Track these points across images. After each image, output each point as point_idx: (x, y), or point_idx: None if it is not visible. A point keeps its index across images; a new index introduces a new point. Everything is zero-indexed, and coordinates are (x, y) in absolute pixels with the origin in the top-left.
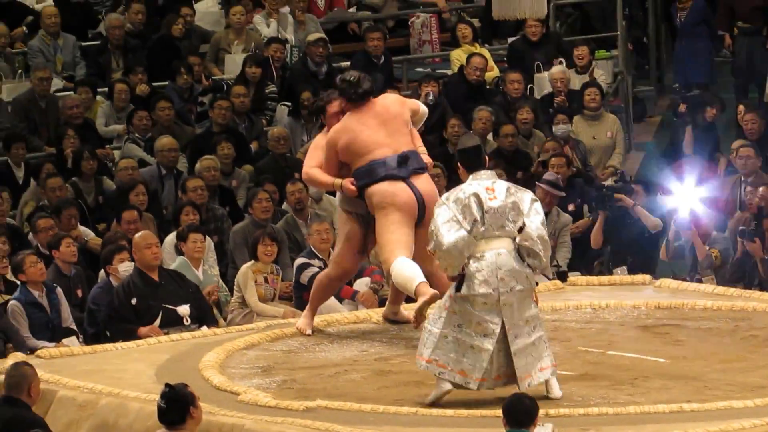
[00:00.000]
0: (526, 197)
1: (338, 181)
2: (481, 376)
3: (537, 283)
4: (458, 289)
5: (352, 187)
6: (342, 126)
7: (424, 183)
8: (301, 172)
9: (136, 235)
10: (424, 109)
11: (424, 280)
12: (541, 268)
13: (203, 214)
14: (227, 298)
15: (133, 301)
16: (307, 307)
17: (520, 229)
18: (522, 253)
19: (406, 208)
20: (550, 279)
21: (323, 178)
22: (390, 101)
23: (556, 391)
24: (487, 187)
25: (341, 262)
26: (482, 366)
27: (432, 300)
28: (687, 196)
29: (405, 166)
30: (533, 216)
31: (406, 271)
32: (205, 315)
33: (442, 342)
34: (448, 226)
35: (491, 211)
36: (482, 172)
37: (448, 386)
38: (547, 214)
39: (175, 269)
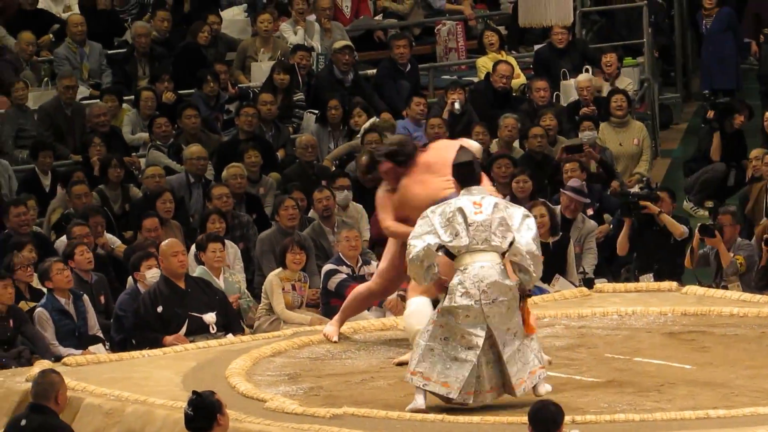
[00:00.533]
0: (516, 213)
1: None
2: (461, 387)
3: (530, 294)
4: (441, 302)
5: None
6: (404, 191)
7: None
8: (325, 182)
9: (163, 243)
10: (477, 146)
11: None
12: (531, 284)
13: (228, 221)
14: (250, 305)
15: (159, 308)
16: (338, 314)
17: (510, 245)
18: (514, 268)
19: None
20: (576, 286)
21: (404, 229)
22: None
23: (541, 388)
24: (474, 201)
25: (386, 279)
26: (464, 378)
27: None
28: None
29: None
30: (524, 231)
31: (412, 325)
32: (231, 322)
33: (428, 354)
34: (422, 238)
35: (475, 225)
36: (473, 187)
37: (422, 405)
38: (572, 221)
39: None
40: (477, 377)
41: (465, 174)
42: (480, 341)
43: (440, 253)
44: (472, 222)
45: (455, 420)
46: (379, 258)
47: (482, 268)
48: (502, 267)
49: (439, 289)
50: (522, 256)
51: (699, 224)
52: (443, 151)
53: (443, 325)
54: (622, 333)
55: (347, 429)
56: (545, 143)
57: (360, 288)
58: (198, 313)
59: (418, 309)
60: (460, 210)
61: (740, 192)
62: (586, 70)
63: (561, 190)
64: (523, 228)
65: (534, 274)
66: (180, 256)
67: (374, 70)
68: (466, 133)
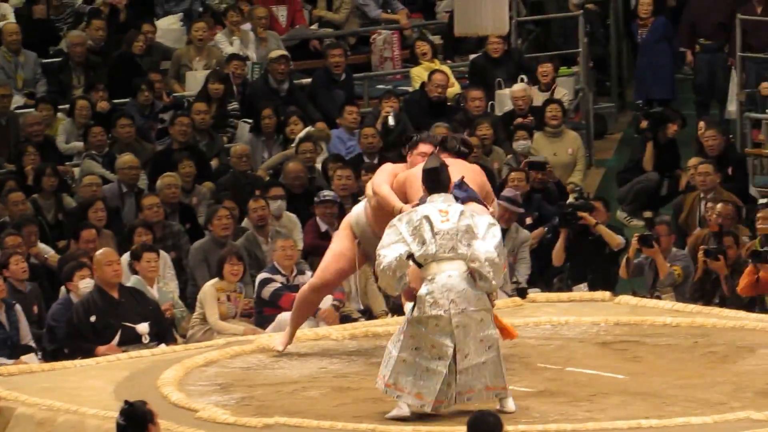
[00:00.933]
0: (482, 221)
1: (398, 206)
2: (436, 399)
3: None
4: (411, 311)
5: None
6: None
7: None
8: (259, 191)
9: (97, 252)
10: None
11: None
12: (491, 291)
13: (159, 232)
14: (183, 315)
15: (92, 318)
16: (288, 327)
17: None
18: (474, 276)
19: None
20: (509, 296)
21: (392, 198)
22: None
23: (510, 405)
24: (440, 209)
25: (324, 272)
26: (436, 389)
27: None
28: None
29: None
30: (489, 239)
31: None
32: (164, 332)
33: (400, 365)
34: (391, 247)
35: (441, 233)
36: (440, 194)
37: (407, 412)
38: (506, 231)
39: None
40: (447, 385)
41: (431, 180)
42: (450, 351)
43: (410, 263)
44: (438, 230)
45: (387, 430)
46: (313, 268)
47: (449, 277)
48: (470, 275)
49: (407, 298)
50: (480, 262)
51: (638, 234)
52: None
53: (413, 335)
54: (555, 343)
55: None
56: (480, 154)
57: (302, 290)
58: (131, 324)
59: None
60: (427, 218)
61: (674, 202)
62: (521, 80)
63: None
64: (489, 236)
65: (493, 282)
66: (114, 266)
67: (309, 80)
68: (400, 143)
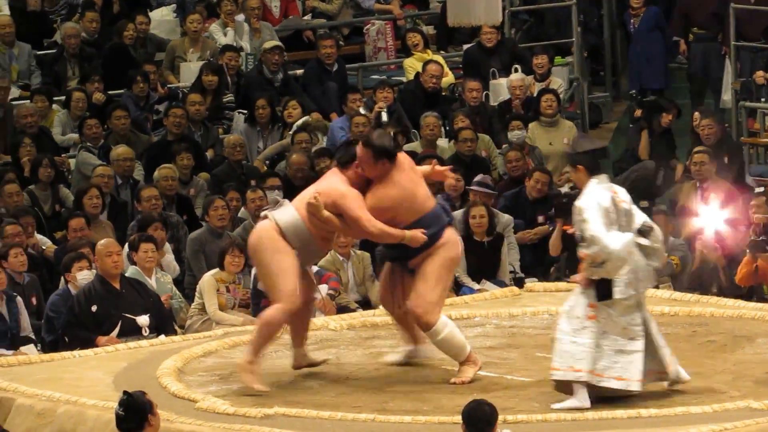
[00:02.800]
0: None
1: (408, 233)
2: (640, 377)
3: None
4: (604, 296)
5: (424, 237)
6: (395, 186)
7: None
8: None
9: (99, 243)
10: None
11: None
12: (659, 267)
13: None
14: (181, 306)
15: (94, 308)
16: (252, 353)
17: (642, 231)
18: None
19: (459, 262)
20: (507, 285)
21: (393, 232)
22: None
23: (684, 374)
24: (613, 190)
25: (294, 295)
26: (639, 368)
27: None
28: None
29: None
30: (640, 213)
31: (458, 336)
32: (164, 324)
33: (594, 352)
34: (605, 230)
35: (623, 213)
36: (603, 175)
37: (587, 402)
38: None
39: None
40: (647, 362)
41: (597, 161)
42: (641, 329)
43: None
44: (622, 210)
45: (386, 420)
46: None
47: (634, 255)
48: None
49: (584, 285)
50: (661, 241)
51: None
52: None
53: (603, 318)
54: (553, 333)
55: (278, 429)
56: (474, 146)
57: (274, 317)
58: (132, 315)
59: (454, 327)
60: (612, 199)
61: (670, 191)
62: (515, 70)
63: (467, 188)
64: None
65: (660, 261)
66: (114, 257)
67: (302, 70)
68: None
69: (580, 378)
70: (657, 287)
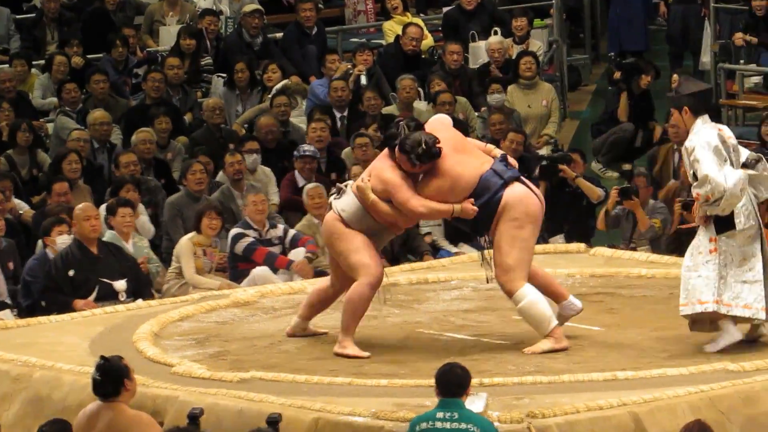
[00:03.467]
0: None
1: (457, 206)
2: (764, 305)
3: None
4: (725, 228)
5: (474, 207)
6: (441, 176)
7: (531, 185)
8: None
9: (77, 207)
10: (447, 117)
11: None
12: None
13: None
14: (158, 270)
15: (71, 272)
16: (345, 334)
17: (747, 165)
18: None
19: (537, 220)
20: (485, 248)
21: (442, 207)
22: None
23: None
24: (719, 128)
25: (372, 266)
26: (761, 295)
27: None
28: None
29: (509, 166)
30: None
31: (542, 307)
32: (141, 289)
33: (719, 283)
34: (718, 168)
35: (733, 149)
36: (706, 115)
37: (737, 336)
38: None
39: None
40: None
41: (704, 102)
42: (760, 260)
43: None
44: (732, 146)
45: (363, 383)
46: (289, 223)
47: (747, 189)
48: None
49: (703, 222)
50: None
51: (618, 187)
52: (444, 132)
53: (722, 251)
54: None
55: (255, 393)
56: (453, 109)
57: (360, 292)
58: (109, 280)
59: (540, 297)
60: (720, 137)
61: (648, 153)
62: (495, 33)
63: None
64: None
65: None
66: (92, 221)
67: (281, 33)
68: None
69: (707, 309)
70: (635, 249)
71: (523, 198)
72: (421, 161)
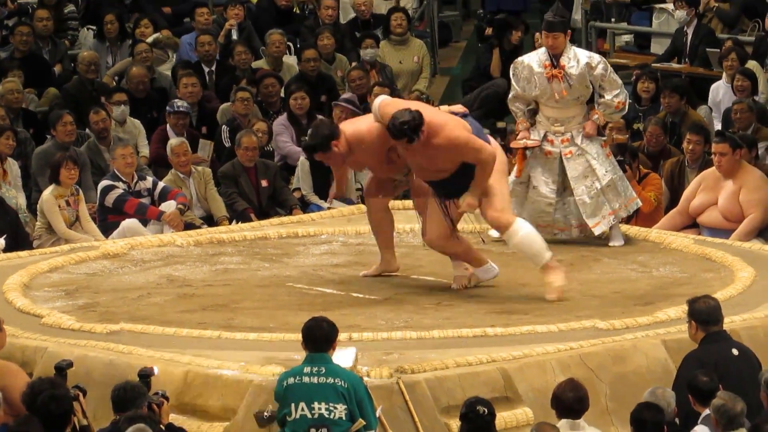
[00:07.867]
0: None
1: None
2: None
3: None
4: None
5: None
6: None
7: None
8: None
9: None
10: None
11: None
12: None
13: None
14: (26, 220)
15: None
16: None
17: None
18: None
19: (500, 160)
20: (355, 203)
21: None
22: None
23: None
24: None
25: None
26: None
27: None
28: None
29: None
30: None
31: (537, 239)
32: (21, 244)
33: None
34: None
35: None
36: None
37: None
38: None
39: None
40: None
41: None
42: None
43: None
44: None
45: (232, 336)
46: (157, 175)
47: None
48: None
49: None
50: None
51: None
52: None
53: None
54: (400, 250)
55: (124, 345)
56: (318, 66)
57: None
58: None
59: (532, 229)
60: None
61: None
62: None
63: (333, 102)
64: None
65: None
66: None
67: None
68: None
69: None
70: None
71: (497, 146)
72: (417, 134)
